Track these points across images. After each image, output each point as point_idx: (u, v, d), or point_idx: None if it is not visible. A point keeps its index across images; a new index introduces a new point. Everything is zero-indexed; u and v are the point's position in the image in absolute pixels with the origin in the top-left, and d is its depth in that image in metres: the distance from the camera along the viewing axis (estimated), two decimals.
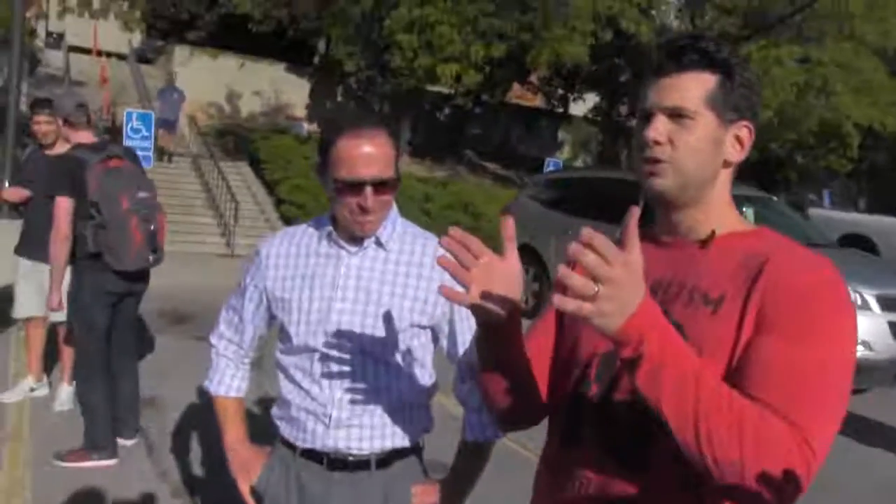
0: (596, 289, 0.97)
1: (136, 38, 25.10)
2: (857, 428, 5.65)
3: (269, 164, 17.14)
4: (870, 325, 6.26)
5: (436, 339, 1.89)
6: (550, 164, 18.95)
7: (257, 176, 17.49)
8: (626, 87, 25.97)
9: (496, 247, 1.25)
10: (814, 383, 1.07)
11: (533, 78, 24.81)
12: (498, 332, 1.22)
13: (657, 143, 1.21)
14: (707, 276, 1.21)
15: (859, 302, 6.43)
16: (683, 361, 1.03)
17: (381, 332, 1.78)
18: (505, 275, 1.20)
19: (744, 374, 1.10)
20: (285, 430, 1.89)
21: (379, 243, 1.82)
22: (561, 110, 27.66)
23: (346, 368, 1.79)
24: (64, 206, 3.97)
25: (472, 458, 1.88)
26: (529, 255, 9.71)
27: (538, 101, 27.94)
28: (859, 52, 18.81)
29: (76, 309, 4.15)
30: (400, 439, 1.84)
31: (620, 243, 1.00)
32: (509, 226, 1.20)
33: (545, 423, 1.42)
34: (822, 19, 19.16)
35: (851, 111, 18.66)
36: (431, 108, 23.94)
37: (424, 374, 1.88)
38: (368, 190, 1.69)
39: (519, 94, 26.90)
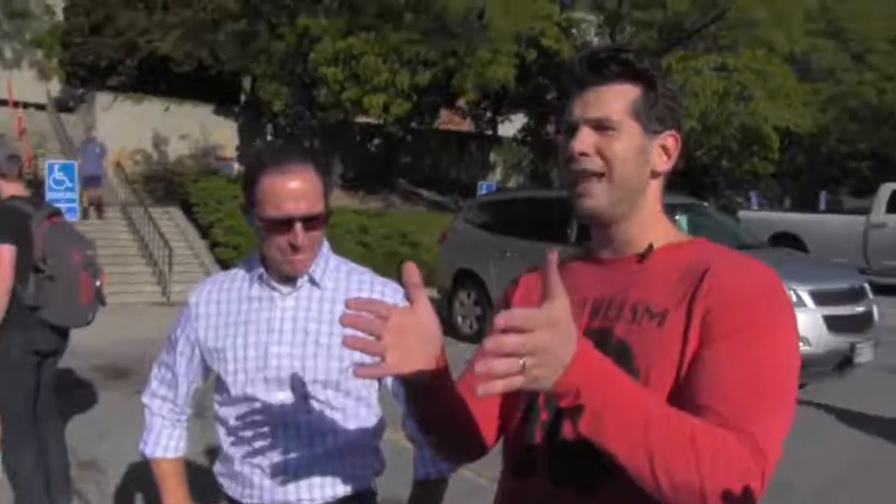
0: (521, 363, 0.90)
1: (55, 86, 24.51)
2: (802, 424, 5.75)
3: (200, 207, 16.87)
4: (806, 321, 6.40)
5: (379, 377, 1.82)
6: (484, 187, 19.09)
7: (190, 220, 17.18)
8: (552, 106, 26.42)
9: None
10: (761, 388, 1.07)
11: (461, 103, 25.04)
12: (426, 387, 1.15)
13: (584, 154, 1.19)
14: (649, 289, 1.20)
15: (794, 299, 6.58)
16: (627, 401, 0.99)
17: (322, 373, 1.72)
18: (419, 327, 1.12)
19: (692, 384, 1.10)
20: (230, 487, 1.81)
21: (313, 282, 1.76)
22: (490, 133, 27.95)
23: (289, 415, 1.72)
24: (7, 254, 3.80)
25: (426, 494, 1.84)
26: (470, 279, 9.72)
27: (467, 126, 28.18)
28: (770, 58, 19.53)
29: (4, 368, 3.95)
30: (351, 485, 1.77)
31: (543, 293, 0.94)
32: (412, 271, 1.11)
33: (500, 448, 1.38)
34: (734, 28, 19.86)
35: (769, 115, 19.33)
36: (361, 139, 23.93)
37: (370, 414, 1.82)
38: (298, 226, 1.64)
39: (448, 120, 27.10)
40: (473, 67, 16.57)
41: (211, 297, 1.82)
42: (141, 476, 4.77)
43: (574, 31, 22.91)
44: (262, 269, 1.76)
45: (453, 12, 15.80)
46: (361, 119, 20.25)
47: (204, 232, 16.37)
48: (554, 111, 26.51)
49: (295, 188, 1.63)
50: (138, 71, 24.07)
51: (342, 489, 1.76)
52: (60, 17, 24.56)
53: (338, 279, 1.79)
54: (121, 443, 5.31)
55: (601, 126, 1.19)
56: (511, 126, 27.41)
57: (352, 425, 1.77)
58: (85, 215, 15.46)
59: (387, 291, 1.79)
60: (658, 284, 1.19)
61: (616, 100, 1.19)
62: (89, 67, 24.52)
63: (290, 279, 1.75)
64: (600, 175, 1.20)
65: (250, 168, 1.72)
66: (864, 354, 6.86)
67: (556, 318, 0.92)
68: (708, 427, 1.02)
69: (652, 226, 1.26)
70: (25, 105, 22.78)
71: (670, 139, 1.23)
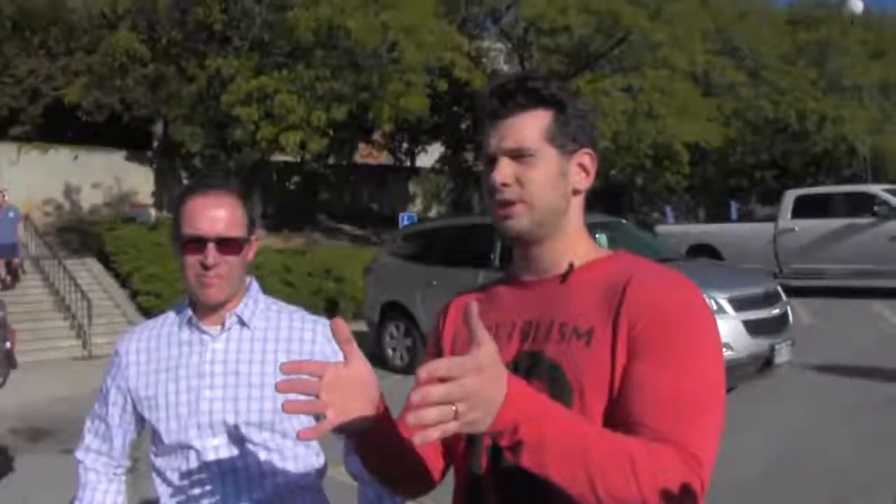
0: (454, 409, 0.93)
1: None
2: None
3: (118, 256, 16.40)
4: (727, 327, 6.59)
5: (317, 415, 1.80)
6: (405, 219, 19.13)
7: (107, 270, 16.68)
8: (468, 134, 26.75)
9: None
10: (692, 400, 1.10)
11: (377, 136, 25.13)
12: (369, 436, 1.18)
13: (505, 185, 1.22)
14: (573, 309, 1.21)
15: (715, 306, 6.79)
16: (563, 432, 1.01)
17: (255, 415, 1.69)
18: (356, 379, 1.15)
19: (625, 401, 1.12)
20: None
21: (242, 322, 1.74)
22: (408, 164, 28.10)
23: (225, 461, 1.69)
24: None
25: None
26: (398, 311, 9.72)
27: (384, 158, 28.28)
28: (674, 77, 20.29)
29: None
30: None
31: (469, 340, 0.97)
32: (341, 328, 1.14)
33: (450, 478, 1.38)
34: (637, 50, 20.58)
35: (677, 131, 20.02)
36: (279, 178, 23.72)
37: (310, 454, 1.79)
38: (210, 246, 1.63)
39: (365, 154, 27.15)
40: (387, 100, 16.66)
41: (140, 345, 1.78)
42: None
43: (484, 59, 23.34)
44: (190, 313, 1.74)
45: (363, 47, 15.90)
46: (279, 157, 20.10)
47: (123, 281, 15.91)
48: (471, 139, 26.88)
49: (212, 209, 1.65)
50: (43, 119, 23.33)
51: None
52: None
53: (268, 318, 1.78)
54: None
55: (518, 155, 1.22)
56: (428, 156, 27.63)
57: (291, 467, 1.74)
58: (3, 285, 14.56)
59: (318, 329, 1.79)
60: (582, 303, 1.21)
61: (529, 127, 1.22)
62: None
63: (218, 320, 1.73)
64: (521, 202, 1.23)
65: (178, 196, 1.72)
66: (783, 354, 7.12)
67: (482, 364, 0.95)
68: (644, 444, 1.05)
69: (574, 244, 1.28)
70: None
71: (586, 157, 1.26)
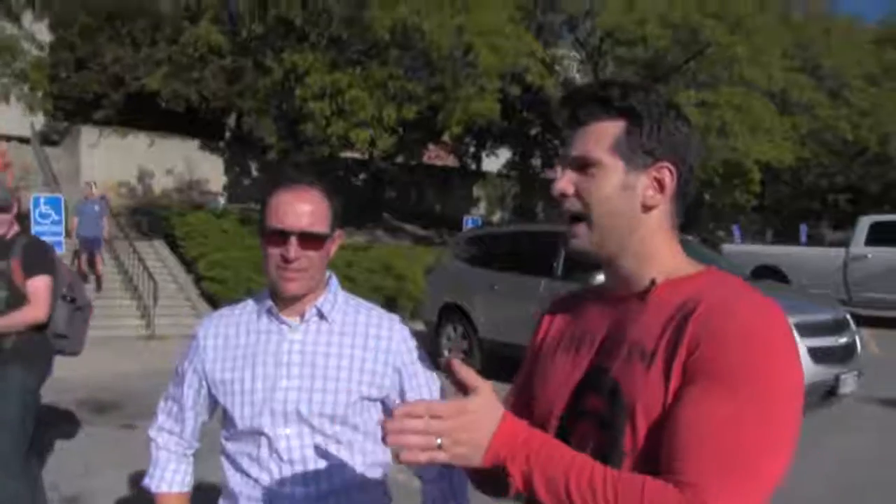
0: (438, 442, 1.02)
1: (39, 119, 24.50)
2: None
3: (185, 241, 16.82)
4: None
5: (387, 412, 1.82)
6: (469, 222, 19.19)
7: (174, 254, 17.12)
8: (536, 140, 26.68)
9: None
10: (726, 445, 1.01)
11: (445, 137, 25.26)
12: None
13: (563, 195, 1.22)
14: (644, 329, 1.16)
15: None
16: (551, 469, 1.04)
17: (329, 407, 1.71)
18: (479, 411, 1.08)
19: (664, 435, 1.07)
20: None
21: (321, 315, 1.77)
22: (474, 168, 28.14)
23: (296, 450, 1.71)
24: (47, 286, 3.84)
25: None
26: (457, 313, 9.73)
27: (451, 160, 28.39)
28: (749, 94, 19.85)
29: (21, 397, 3.88)
30: None
31: (466, 387, 1.08)
32: (457, 367, 1.09)
33: None
34: (713, 65, 20.20)
35: (750, 149, 19.59)
36: (347, 174, 24.02)
37: (378, 449, 1.80)
38: (293, 240, 1.66)
39: (433, 155, 27.29)
40: (458, 103, 16.72)
41: (219, 331, 1.82)
42: None
43: (557, 67, 23.24)
44: (270, 303, 1.77)
45: (438, 49, 15.99)
46: (347, 154, 20.36)
47: (189, 266, 16.30)
48: (539, 145, 26.79)
49: (297, 204, 1.68)
50: (124, 105, 24.12)
51: None
52: (47, 51, 24.62)
53: (346, 313, 1.80)
54: (105, 478, 5.27)
55: (582, 165, 1.20)
56: (495, 161, 27.64)
57: (359, 461, 1.76)
58: (85, 280, 14.11)
59: (395, 327, 1.82)
60: (653, 323, 1.15)
61: (596, 138, 1.19)
62: (75, 101, 24.54)
63: (297, 312, 1.76)
64: (582, 216, 1.21)
65: (266, 190, 1.76)
66: (848, 385, 6.91)
67: (466, 409, 1.05)
68: (641, 488, 1.00)
69: (654, 260, 1.22)
70: (9, 138, 22.76)
71: (665, 171, 1.19)
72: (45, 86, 22.59)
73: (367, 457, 1.78)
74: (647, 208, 1.20)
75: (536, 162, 28.16)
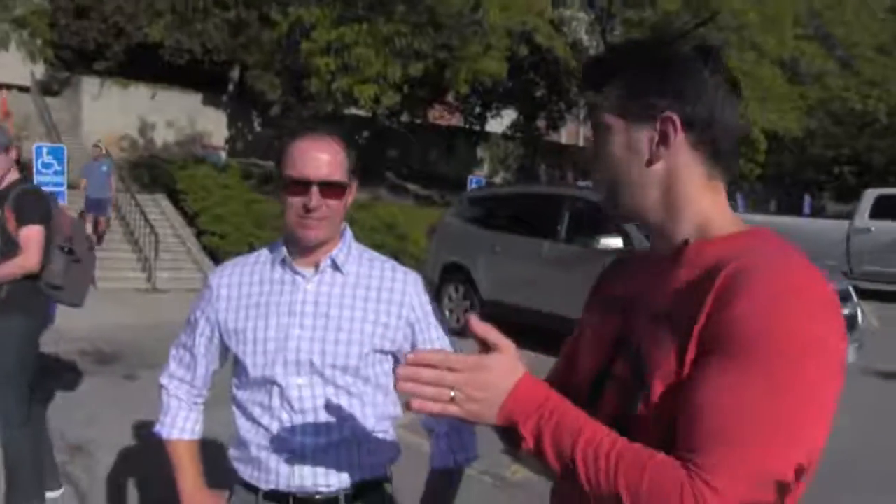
0: (451, 395, 1.04)
1: (39, 69, 24.26)
2: None
3: (187, 195, 16.77)
4: None
5: (396, 365, 1.83)
6: (473, 182, 19.10)
7: (176, 207, 17.08)
8: (542, 102, 26.46)
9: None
10: (727, 414, 0.96)
11: (450, 97, 25.05)
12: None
13: (589, 160, 1.24)
14: (671, 291, 1.12)
15: None
16: (560, 433, 1.03)
17: (342, 358, 1.71)
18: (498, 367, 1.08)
19: (678, 404, 1.02)
20: (245, 472, 1.79)
21: (336, 266, 1.76)
22: (479, 128, 27.97)
23: (307, 400, 1.72)
24: (39, 235, 3.80)
25: (442, 485, 1.84)
26: (459, 273, 9.73)
27: (455, 121, 28.19)
28: (760, 61, 19.63)
29: (21, 345, 3.88)
30: (368, 471, 1.77)
31: (489, 345, 1.07)
32: (476, 325, 1.07)
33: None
34: (724, 31, 19.95)
35: (757, 117, 19.44)
36: (351, 131, 23.87)
37: (388, 402, 1.82)
38: (314, 189, 1.66)
39: (437, 114, 27.09)
40: (465, 61, 16.53)
41: (232, 280, 1.82)
42: (131, 459, 4.76)
43: (565, 28, 22.96)
44: (285, 253, 1.77)
45: (446, 5, 15.76)
46: (352, 111, 20.20)
47: (190, 220, 16.27)
48: (544, 107, 26.58)
49: (318, 153, 1.68)
50: (125, 56, 23.86)
51: (358, 476, 1.75)
52: None
53: (360, 265, 1.80)
54: (108, 427, 5.30)
55: (596, 130, 1.21)
56: (500, 122, 27.45)
57: (369, 412, 1.77)
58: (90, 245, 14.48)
59: (409, 279, 1.82)
60: (680, 286, 1.10)
61: (603, 101, 1.19)
62: (75, 51, 24.27)
63: (312, 262, 1.76)
64: (601, 179, 1.22)
65: (283, 138, 1.76)
66: (849, 356, 6.92)
67: (482, 365, 1.05)
68: (641, 461, 0.97)
69: (684, 218, 1.16)
70: (9, 87, 22.55)
71: (668, 122, 1.12)
72: (46, 33, 22.34)
73: (377, 409, 1.79)
74: (653, 163, 1.15)
75: (541, 123, 27.98)
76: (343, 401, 1.73)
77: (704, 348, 1.01)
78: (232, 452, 1.85)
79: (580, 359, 1.30)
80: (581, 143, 33.47)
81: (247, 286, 1.79)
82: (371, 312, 1.75)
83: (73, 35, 23.96)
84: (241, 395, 1.79)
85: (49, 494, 4.10)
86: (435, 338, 1.81)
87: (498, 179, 26.75)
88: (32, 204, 3.79)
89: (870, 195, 13.78)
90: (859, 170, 26.56)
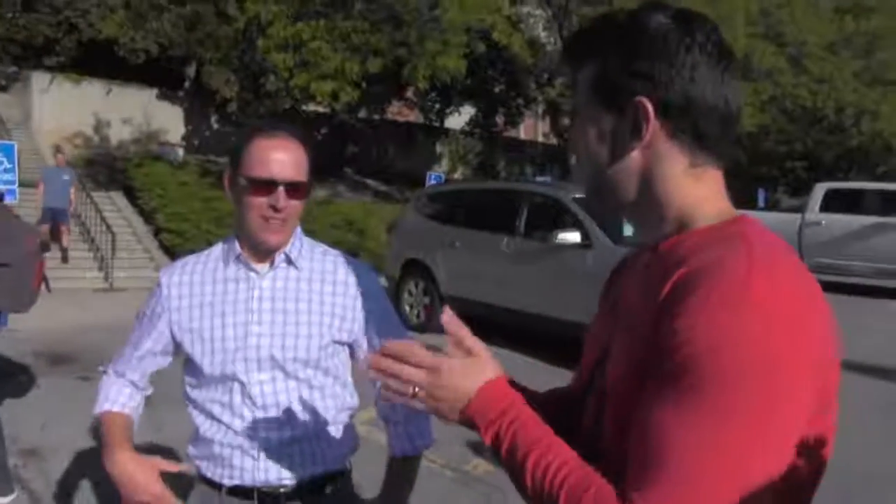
0: (412, 391, 1.03)
1: None
2: None
3: (144, 193, 16.54)
4: None
5: (352, 355, 1.86)
6: (432, 178, 19.11)
7: (133, 205, 16.83)
8: (500, 98, 26.55)
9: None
10: (662, 439, 0.88)
11: (410, 93, 25.02)
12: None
13: (571, 153, 1.20)
14: (640, 291, 1.04)
15: None
16: (516, 443, 1.00)
17: (302, 352, 1.73)
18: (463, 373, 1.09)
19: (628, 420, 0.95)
20: (208, 468, 1.79)
21: (289, 261, 1.77)
22: (438, 124, 27.98)
23: (269, 395, 1.73)
24: None
25: (402, 471, 1.88)
26: (419, 269, 9.76)
27: (414, 117, 28.16)
28: None
29: None
30: (331, 463, 1.80)
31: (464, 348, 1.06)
32: (449, 321, 1.07)
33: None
34: None
35: None
36: (309, 128, 23.69)
37: (346, 393, 1.85)
38: (281, 189, 1.66)
39: (396, 111, 27.03)
40: (424, 58, 16.54)
41: (184, 278, 1.80)
42: (86, 462, 4.70)
43: (523, 25, 23.07)
44: (238, 250, 1.76)
45: (404, 2, 15.75)
46: (310, 107, 20.07)
47: (147, 218, 16.05)
48: (503, 103, 26.67)
49: (282, 153, 1.68)
50: (78, 51, 23.35)
51: (321, 468, 1.77)
52: None
53: (312, 259, 1.81)
54: (64, 430, 5.23)
55: (571, 118, 1.14)
56: (459, 118, 27.48)
57: (330, 404, 1.79)
58: (47, 249, 13.41)
59: (361, 271, 1.85)
60: (645, 290, 1.02)
61: (580, 84, 1.08)
62: (23, 45, 23.68)
63: (267, 260, 1.76)
64: (581, 168, 1.11)
65: (239, 136, 1.75)
66: None
67: (440, 367, 1.03)
68: (581, 482, 0.93)
69: (666, 211, 1.04)
70: None
71: (639, 107, 1.00)
72: None
73: (336, 400, 1.81)
74: (627, 155, 1.03)
75: (499, 120, 28.07)
76: (304, 394, 1.75)
77: (651, 363, 0.92)
78: (192, 451, 1.84)
79: (586, 346, 1.24)
80: (539, 138, 33.66)
81: (199, 284, 1.78)
82: (328, 305, 1.77)
83: (20, 28, 23.37)
84: (198, 393, 1.79)
85: (1, 500, 4.04)
86: (391, 328, 1.83)
87: (457, 175, 26.79)
88: None
89: (820, 189, 14.10)
90: (810, 164, 27.11)
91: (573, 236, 7.69)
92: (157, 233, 15.37)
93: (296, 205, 1.70)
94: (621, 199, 1.07)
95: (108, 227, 13.68)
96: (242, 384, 1.72)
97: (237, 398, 1.73)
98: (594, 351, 1.15)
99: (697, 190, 1.03)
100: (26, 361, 7.17)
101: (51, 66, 22.84)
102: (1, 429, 4.21)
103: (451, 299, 9.19)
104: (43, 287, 4.11)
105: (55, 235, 13.34)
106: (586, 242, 7.61)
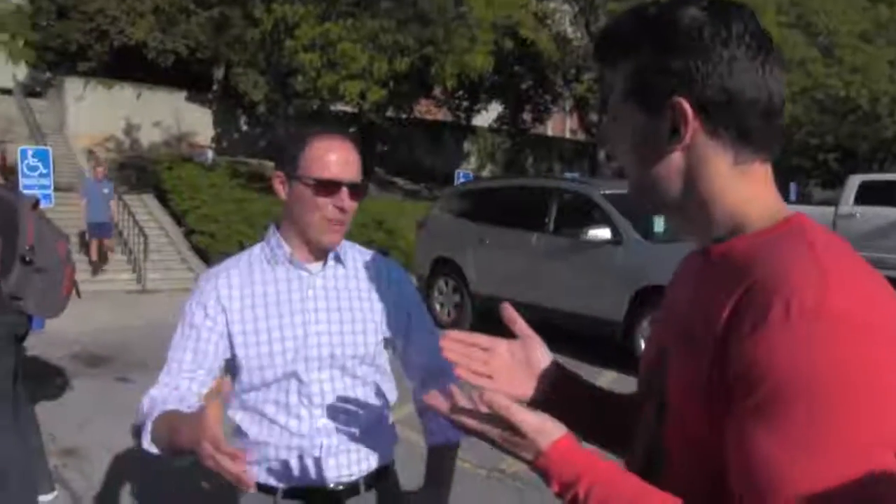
0: (494, 435, 1.00)
1: (22, 70, 24.08)
2: None
3: (175, 195, 16.72)
4: None
5: (394, 353, 1.90)
6: (461, 176, 19.10)
7: (164, 207, 17.02)
8: (528, 95, 26.47)
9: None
10: (757, 475, 0.82)
11: (437, 92, 25.04)
12: (555, 405, 1.15)
13: (607, 154, 1.17)
14: (695, 302, 0.98)
15: None
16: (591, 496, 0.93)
17: (361, 349, 1.76)
18: (523, 363, 1.19)
19: (720, 450, 0.88)
20: (261, 475, 1.75)
21: (338, 260, 1.80)
22: (465, 122, 27.97)
23: (328, 393, 1.74)
24: None
25: (442, 461, 1.89)
26: (449, 267, 9.75)
27: (442, 115, 28.18)
28: None
29: None
30: (382, 457, 1.82)
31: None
32: (508, 311, 1.19)
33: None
34: None
35: None
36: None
37: (390, 387, 1.88)
38: (345, 190, 1.68)
39: (424, 109, 27.07)
40: (451, 56, 16.51)
41: (232, 282, 1.75)
42: (124, 462, 4.77)
43: (549, 21, 22.98)
44: (288, 250, 1.76)
45: (431, 0, 15.75)
46: (338, 107, 20.16)
47: (178, 220, 16.22)
48: (530, 100, 26.59)
49: (343, 154, 1.70)
50: (109, 56, 23.69)
51: (375, 462, 1.80)
52: None
53: (355, 259, 1.85)
54: (102, 431, 5.30)
55: (612, 116, 1.05)
56: (486, 115, 27.45)
57: (380, 400, 1.82)
58: (94, 271, 13.19)
59: (402, 272, 1.93)
60: (702, 298, 0.96)
61: (615, 83, 1.02)
62: (58, 52, 24.07)
63: (318, 258, 1.78)
64: (623, 167, 1.07)
65: (295, 136, 1.75)
66: None
67: (516, 427, 0.97)
68: None
69: (712, 212, 0.98)
70: None
71: (678, 105, 0.95)
72: (26, 34, 22.13)
73: (383, 396, 1.84)
74: (667, 153, 0.98)
75: (527, 116, 28.00)
76: (359, 391, 1.77)
77: (728, 384, 0.86)
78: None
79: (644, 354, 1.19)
80: (567, 134, 33.52)
81: (249, 286, 1.75)
82: (376, 302, 1.81)
83: (54, 36, 23.77)
84: (248, 396, 1.75)
85: (42, 498, 4.11)
86: (429, 328, 1.90)
87: (485, 173, 26.78)
88: None
89: (854, 181, 13.87)
90: (843, 156, 26.68)
91: (603, 233, 7.64)
92: (188, 234, 15.52)
93: (355, 206, 1.73)
94: (665, 201, 1.01)
95: (141, 229, 13.84)
96: (300, 384, 1.72)
97: (293, 398, 1.72)
98: (652, 356, 1.10)
99: (745, 188, 0.98)
100: (62, 363, 7.28)
101: (83, 71, 23.20)
102: (38, 428, 4.28)
103: (481, 297, 9.18)
104: (73, 293, 4.15)
105: (101, 252, 13.32)
106: (616, 239, 7.56)
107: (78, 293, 4.21)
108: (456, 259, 9.65)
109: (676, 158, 0.98)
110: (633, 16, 1.01)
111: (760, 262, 0.89)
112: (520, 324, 1.16)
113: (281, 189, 1.74)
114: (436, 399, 1.06)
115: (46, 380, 6.57)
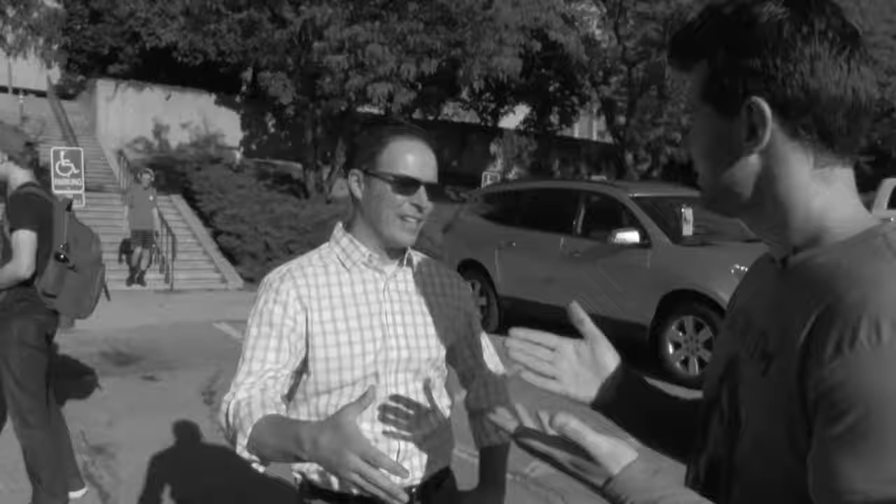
0: (562, 459, 0.99)
1: (55, 73, 24.46)
2: None
3: (203, 196, 16.86)
4: None
5: (452, 362, 1.92)
6: (488, 178, 19.09)
7: (192, 208, 17.17)
8: (555, 97, 26.40)
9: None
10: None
11: (464, 94, 25.04)
12: (619, 408, 1.19)
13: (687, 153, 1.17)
14: (773, 314, 0.93)
15: None
16: None
17: (434, 351, 1.76)
18: (589, 363, 1.20)
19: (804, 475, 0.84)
20: (327, 481, 1.69)
21: (409, 262, 1.80)
22: (492, 124, 27.95)
23: (403, 397, 1.72)
24: (28, 240, 3.76)
25: (497, 461, 1.90)
26: (475, 269, 9.73)
27: (468, 118, 28.19)
28: None
29: (21, 351, 3.91)
30: (444, 459, 1.82)
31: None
32: (576, 310, 1.18)
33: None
34: None
35: None
36: (364, 129, 23.88)
37: (449, 389, 1.89)
38: (423, 189, 1.68)
39: (451, 111, 27.10)
40: (479, 58, 16.48)
41: (309, 281, 1.71)
42: (152, 460, 4.80)
43: (577, 23, 22.89)
44: (365, 251, 1.74)
45: (459, 2, 15.72)
46: (365, 109, 20.21)
47: (206, 220, 16.36)
48: (557, 102, 26.51)
49: (422, 154, 1.71)
50: (139, 59, 24.00)
51: (442, 464, 1.80)
52: (60, 4, 24.48)
53: (418, 261, 1.84)
54: (130, 428, 5.34)
55: (692, 114, 1.03)
56: (513, 118, 27.43)
57: (445, 401, 1.83)
58: (132, 279, 13.21)
59: (451, 273, 1.92)
60: (781, 311, 0.91)
61: (693, 84, 0.99)
62: (90, 55, 24.44)
63: (393, 259, 1.77)
64: (699, 170, 1.04)
65: (374, 133, 1.74)
66: None
67: (589, 451, 0.95)
68: None
69: (791, 221, 0.94)
70: (26, 92, 22.77)
71: (753, 106, 0.91)
72: (60, 38, 22.48)
73: (445, 397, 1.84)
74: (744, 156, 0.94)
75: (554, 119, 27.92)
76: (430, 392, 1.78)
77: (808, 408, 0.82)
78: (309, 466, 1.71)
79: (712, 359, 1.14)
80: (594, 137, 33.36)
81: (326, 287, 1.71)
82: (444, 306, 1.81)
83: (87, 39, 24.15)
84: (318, 399, 1.71)
85: (72, 494, 4.13)
86: (479, 326, 1.93)
87: (512, 175, 26.73)
88: (19, 208, 3.73)
89: (888, 185, 13.64)
90: (877, 160, 26.29)
91: (631, 236, 7.57)
92: (216, 235, 15.64)
93: (431, 206, 1.73)
94: (740, 204, 0.98)
95: (169, 229, 13.97)
96: (381, 386, 1.70)
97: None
98: (720, 364, 1.06)
99: (825, 193, 0.93)
100: (92, 362, 7.36)
101: (114, 73, 23.52)
102: (66, 426, 4.31)
103: (508, 300, 9.14)
104: (103, 294, 4.17)
105: (139, 259, 13.29)
106: (645, 242, 7.49)
107: (107, 295, 4.23)
108: (482, 261, 9.63)
109: (753, 162, 0.94)
110: (706, 14, 0.97)
111: (843, 276, 0.83)
112: (588, 324, 1.15)
113: (356, 187, 1.72)
114: (502, 418, 1.05)
115: (76, 378, 6.64)
